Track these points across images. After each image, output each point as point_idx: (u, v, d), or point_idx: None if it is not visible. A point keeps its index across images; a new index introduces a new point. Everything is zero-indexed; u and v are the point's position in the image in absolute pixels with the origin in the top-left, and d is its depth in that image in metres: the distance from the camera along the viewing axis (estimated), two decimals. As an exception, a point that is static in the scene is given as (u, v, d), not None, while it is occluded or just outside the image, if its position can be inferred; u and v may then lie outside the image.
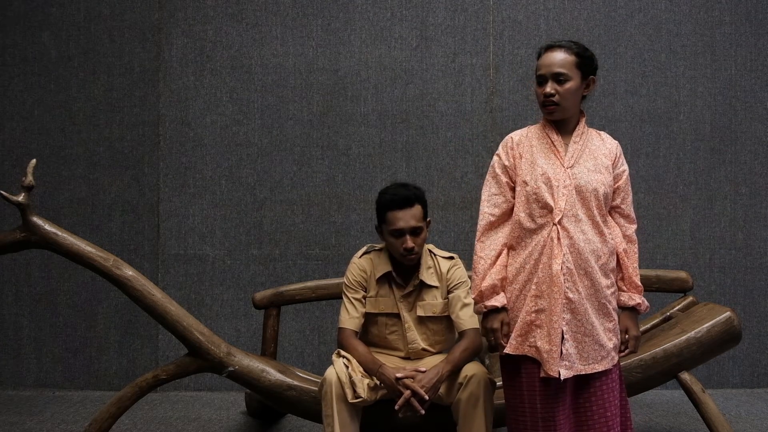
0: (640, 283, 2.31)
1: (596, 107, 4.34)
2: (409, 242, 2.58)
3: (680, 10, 4.37)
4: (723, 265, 4.34)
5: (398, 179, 4.29)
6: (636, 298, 2.30)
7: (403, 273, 2.69)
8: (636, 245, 2.33)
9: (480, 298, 2.28)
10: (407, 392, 2.43)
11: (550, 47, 2.30)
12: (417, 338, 2.68)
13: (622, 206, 2.34)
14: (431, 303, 2.67)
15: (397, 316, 2.68)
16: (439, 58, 4.36)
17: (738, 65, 4.37)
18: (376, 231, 2.73)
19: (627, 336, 2.30)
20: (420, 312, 2.67)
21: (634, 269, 2.30)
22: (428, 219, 2.69)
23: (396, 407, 2.44)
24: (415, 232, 2.60)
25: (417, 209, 2.61)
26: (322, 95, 4.36)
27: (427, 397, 2.43)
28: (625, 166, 2.37)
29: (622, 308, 2.32)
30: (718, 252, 4.35)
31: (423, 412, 2.43)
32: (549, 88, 2.25)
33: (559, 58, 2.26)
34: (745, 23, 4.37)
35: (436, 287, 2.68)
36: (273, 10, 4.37)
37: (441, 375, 2.48)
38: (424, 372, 2.49)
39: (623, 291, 2.31)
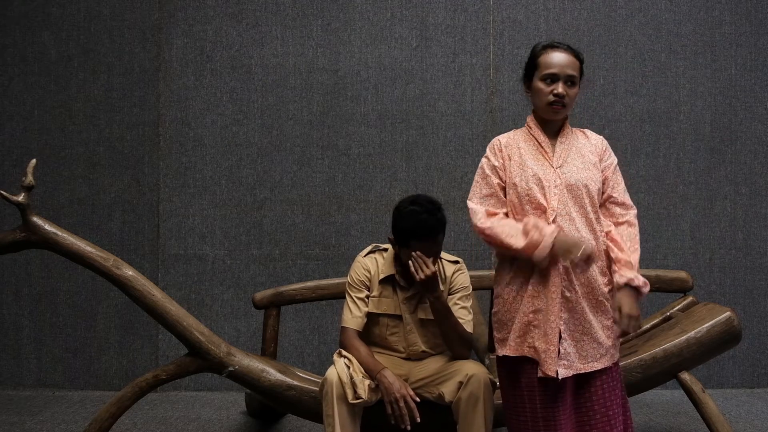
0: (634, 262, 2.21)
1: (596, 107, 4.34)
2: (428, 270, 2.54)
3: (680, 10, 4.37)
4: (723, 265, 4.34)
5: (398, 179, 4.31)
6: (627, 274, 2.19)
7: (407, 276, 2.67)
8: (635, 228, 2.28)
9: (532, 245, 2.15)
10: (403, 405, 2.42)
11: (555, 47, 2.29)
12: (418, 340, 2.68)
13: (614, 195, 2.31)
14: None
15: (399, 317, 2.68)
16: (439, 58, 4.36)
17: (738, 65, 4.38)
18: (388, 240, 2.67)
19: (621, 314, 2.17)
20: (422, 315, 2.67)
21: (628, 248, 2.23)
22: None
23: (391, 418, 2.45)
24: (433, 255, 2.57)
25: (440, 237, 2.56)
26: (322, 95, 4.36)
27: (416, 416, 2.43)
28: (613, 158, 2.35)
29: (618, 288, 2.21)
30: (718, 252, 4.35)
31: (417, 421, 2.44)
32: (561, 88, 2.24)
33: (570, 60, 2.26)
34: (745, 23, 4.37)
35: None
36: (273, 10, 4.38)
37: (440, 291, 2.53)
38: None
39: (615, 271, 2.21)
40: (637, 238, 2.27)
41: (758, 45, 4.38)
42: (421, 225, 2.51)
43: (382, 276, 2.68)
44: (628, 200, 2.33)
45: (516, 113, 4.32)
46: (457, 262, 2.74)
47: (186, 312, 2.85)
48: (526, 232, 2.16)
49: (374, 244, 2.80)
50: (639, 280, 2.20)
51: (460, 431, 2.49)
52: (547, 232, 2.14)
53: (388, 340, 2.70)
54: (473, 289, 2.86)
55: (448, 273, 2.70)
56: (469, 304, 2.69)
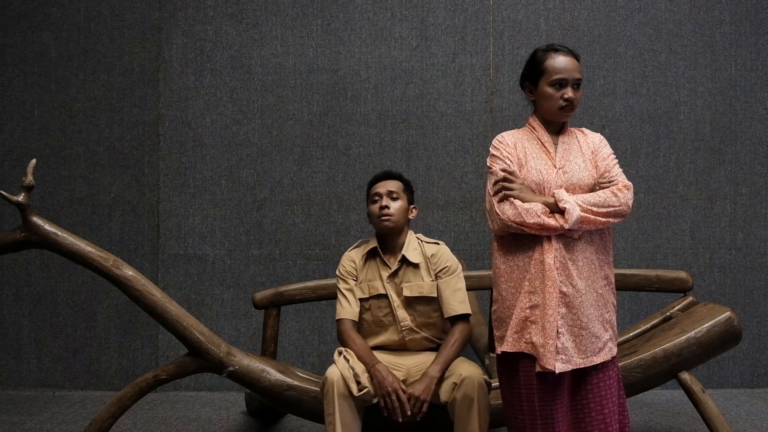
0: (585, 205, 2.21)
1: (596, 107, 4.34)
2: (384, 201, 2.72)
3: (680, 10, 4.37)
4: (723, 265, 4.34)
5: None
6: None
7: (389, 251, 2.77)
8: (626, 189, 2.26)
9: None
10: (395, 398, 2.47)
11: (558, 50, 2.30)
12: (407, 317, 2.72)
13: (606, 174, 2.30)
14: (417, 284, 2.72)
15: (386, 296, 2.72)
16: (439, 58, 4.36)
17: (738, 65, 4.37)
18: (367, 216, 2.85)
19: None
20: (407, 292, 2.72)
21: (595, 194, 2.24)
22: (413, 206, 2.83)
23: (384, 410, 2.49)
24: (391, 195, 2.74)
25: (396, 183, 2.78)
26: (322, 95, 4.36)
27: (424, 408, 2.48)
28: (608, 150, 2.36)
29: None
30: (718, 252, 4.35)
31: (407, 414, 2.47)
32: (571, 92, 2.27)
33: (575, 64, 2.29)
34: (745, 23, 4.37)
35: (421, 265, 2.73)
36: (273, 10, 4.38)
37: (433, 380, 2.53)
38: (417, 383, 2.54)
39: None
40: (610, 200, 2.23)
41: (758, 45, 4.38)
42: (376, 173, 2.87)
43: (365, 251, 2.78)
44: (625, 180, 2.31)
45: (516, 113, 4.32)
46: (437, 243, 2.81)
47: (186, 312, 2.85)
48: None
49: (360, 240, 2.92)
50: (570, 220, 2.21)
51: (457, 431, 2.50)
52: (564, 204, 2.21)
53: (382, 321, 2.74)
54: (474, 289, 2.87)
55: (428, 253, 2.76)
56: (461, 285, 2.72)
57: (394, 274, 2.74)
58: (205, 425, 3.57)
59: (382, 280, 2.74)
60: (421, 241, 2.80)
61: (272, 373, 2.82)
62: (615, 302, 2.31)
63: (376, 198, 2.75)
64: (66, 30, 4.40)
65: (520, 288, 2.25)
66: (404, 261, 2.74)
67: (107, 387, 4.30)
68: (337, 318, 2.74)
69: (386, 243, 2.77)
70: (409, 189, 2.82)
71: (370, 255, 2.78)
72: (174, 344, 4.18)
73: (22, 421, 3.66)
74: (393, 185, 2.77)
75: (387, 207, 2.71)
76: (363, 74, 4.36)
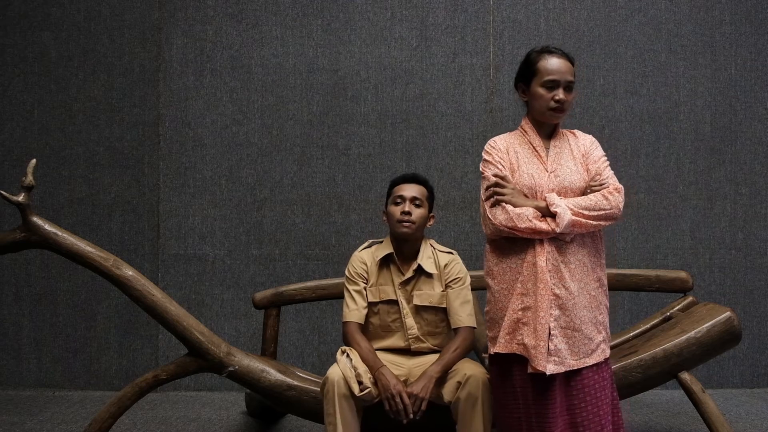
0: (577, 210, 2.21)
1: (596, 107, 4.34)
2: (407, 206, 2.69)
3: (680, 10, 4.38)
4: (723, 265, 4.34)
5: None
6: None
7: (403, 257, 2.74)
8: (617, 192, 2.26)
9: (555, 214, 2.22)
10: (399, 401, 2.47)
11: (552, 52, 2.31)
12: (414, 325, 2.73)
13: (597, 177, 2.30)
14: (429, 293, 2.71)
15: (396, 302, 2.72)
16: (439, 58, 4.36)
17: (738, 65, 4.37)
18: (383, 215, 2.83)
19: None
20: (417, 301, 2.71)
21: (585, 198, 2.24)
22: (432, 214, 2.80)
23: (390, 413, 2.49)
24: (414, 201, 2.71)
25: (421, 188, 2.76)
26: (322, 95, 4.36)
27: (423, 406, 2.47)
28: (599, 152, 2.35)
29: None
30: (718, 252, 4.35)
31: (410, 417, 2.46)
32: (562, 94, 2.27)
33: (567, 66, 2.30)
34: (745, 23, 4.37)
35: (434, 276, 2.72)
36: (273, 10, 4.38)
37: (432, 379, 2.52)
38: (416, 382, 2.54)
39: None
40: (600, 204, 2.23)
41: (758, 45, 4.38)
42: (404, 173, 2.86)
43: (379, 257, 2.74)
44: (617, 183, 2.30)
45: (516, 113, 4.32)
46: (451, 253, 2.80)
47: (186, 312, 2.85)
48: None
49: (370, 240, 2.86)
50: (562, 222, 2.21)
51: (459, 431, 2.50)
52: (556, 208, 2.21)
53: (390, 326, 2.74)
54: (473, 289, 2.87)
55: (442, 262, 2.75)
56: (470, 298, 2.73)
57: (406, 282, 2.73)
58: (205, 425, 3.58)
59: (393, 285, 2.73)
60: (435, 249, 2.78)
61: (272, 373, 2.82)
62: (607, 304, 2.31)
63: (399, 200, 2.72)
64: (66, 30, 4.40)
65: (512, 290, 2.26)
66: (419, 270, 2.72)
67: (107, 387, 4.30)
68: (343, 320, 2.72)
69: (401, 248, 2.75)
70: (431, 197, 2.80)
71: (384, 260, 2.75)
72: (174, 344, 4.18)
73: (22, 421, 3.66)
74: (418, 191, 2.74)
75: (409, 213, 2.68)
76: (363, 74, 4.36)
